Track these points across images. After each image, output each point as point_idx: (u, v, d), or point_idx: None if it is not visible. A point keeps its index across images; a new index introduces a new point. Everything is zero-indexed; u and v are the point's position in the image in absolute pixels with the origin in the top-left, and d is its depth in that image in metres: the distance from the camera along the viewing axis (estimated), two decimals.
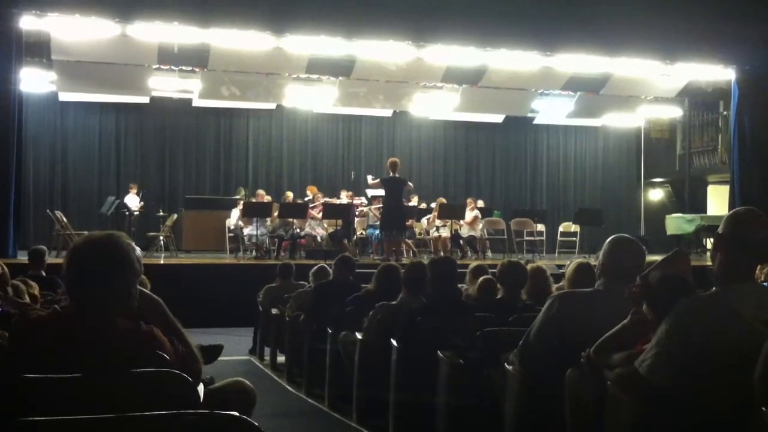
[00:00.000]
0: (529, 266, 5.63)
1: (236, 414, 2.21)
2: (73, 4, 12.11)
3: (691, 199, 19.17)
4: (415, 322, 4.89)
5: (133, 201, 15.12)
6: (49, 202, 16.07)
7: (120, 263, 2.61)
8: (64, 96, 15.60)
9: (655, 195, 21.13)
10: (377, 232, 13.80)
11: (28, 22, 12.11)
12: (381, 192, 13.36)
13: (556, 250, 16.32)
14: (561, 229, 16.88)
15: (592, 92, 16.53)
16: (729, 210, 4.98)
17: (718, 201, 19.04)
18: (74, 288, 2.61)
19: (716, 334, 2.69)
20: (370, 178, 14.63)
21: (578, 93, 16.72)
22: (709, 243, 15.43)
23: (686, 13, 13.42)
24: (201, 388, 2.83)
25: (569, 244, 16.29)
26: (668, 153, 20.76)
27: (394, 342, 5.01)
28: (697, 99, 18.48)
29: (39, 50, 13.41)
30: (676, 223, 16.96)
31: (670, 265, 3.15)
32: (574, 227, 16.41)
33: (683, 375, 2.69)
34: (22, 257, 10.19)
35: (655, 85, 16.25)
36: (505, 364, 3.93)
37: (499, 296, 5.40)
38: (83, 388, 2.28)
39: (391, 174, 12.81)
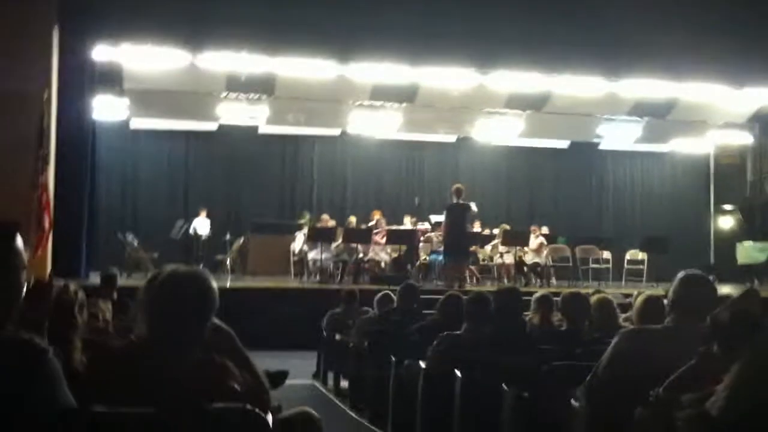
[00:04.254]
0: (595, 297, 5.57)
1: None
2: (145, 35, 12.48)
3: (762, 226, 18.66)
4: (478, 354, 4.87)
5: (203, 224, 15.35)
6: (120, 226, 16.45)
7: (207, 301, 2.66)
8: (136, 123, 16.02)
9: (725, 222, 20.62)
10: (441, 257, 13.79)
11: (101, 53, 12.52)
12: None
13: (623, 279, 16.01)
14: (628, 256, 16.53)
15: (659, 117, 16.27)
16: None
17: None
18: (156, 321, 2.62)
19: None
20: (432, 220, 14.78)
21: (645, 118, 16.49)
22: None
23: (754, 37, 13.18)
24: (269, 417, 2.87)
25: (636, 272, 15.95)
26: (739, 179, 20.27)
27: (458, 373, 5.00)
28: None
29: (111, 79, 13.80)
30: (747, 252, 16.56)
31: (740, 303, 3.09)
32: (641, 255, 16.07)
33: (755, 418, 2.63)
34: (94, 279, 10.47)
35: (725, 110, 15.96)
36: (572, 399, 3.89)
37: (563, 328, 5.37)
38: (157, 423, 2.34)
39: (455, 200, 12.81)
